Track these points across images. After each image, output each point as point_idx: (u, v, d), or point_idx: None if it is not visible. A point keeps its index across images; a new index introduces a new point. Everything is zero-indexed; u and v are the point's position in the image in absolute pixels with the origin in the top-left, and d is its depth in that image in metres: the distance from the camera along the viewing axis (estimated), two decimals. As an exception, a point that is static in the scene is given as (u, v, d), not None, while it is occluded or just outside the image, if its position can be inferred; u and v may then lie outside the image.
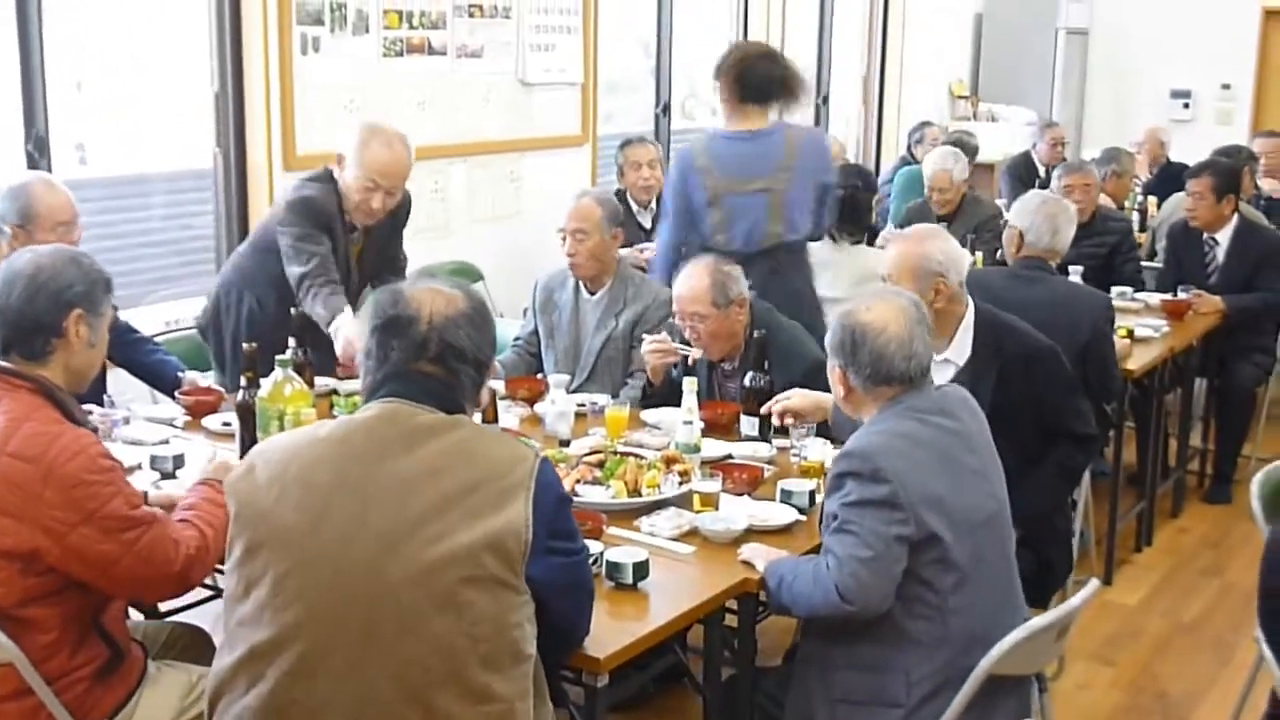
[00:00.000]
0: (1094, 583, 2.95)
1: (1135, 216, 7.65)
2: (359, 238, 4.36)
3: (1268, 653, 2.72)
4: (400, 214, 4.50)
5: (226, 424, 3.75)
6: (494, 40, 6.42)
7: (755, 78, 4.53)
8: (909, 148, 8.34)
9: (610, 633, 2.59)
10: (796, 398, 3.62)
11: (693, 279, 3.95)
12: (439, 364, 2.31)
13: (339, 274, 4.17)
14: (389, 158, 4.22)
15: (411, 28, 6.00)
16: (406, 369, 2.31)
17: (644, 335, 4.22)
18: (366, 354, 2.35)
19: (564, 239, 4.45)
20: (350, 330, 3.89)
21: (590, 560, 2.73)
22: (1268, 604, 2.70)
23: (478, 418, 3.41)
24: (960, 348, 3.66)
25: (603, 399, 4.10)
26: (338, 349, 3.94)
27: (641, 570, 2.80)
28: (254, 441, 3.18)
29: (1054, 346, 3.73)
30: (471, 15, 6.28)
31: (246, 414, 3.47)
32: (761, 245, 4.52)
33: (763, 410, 3.68)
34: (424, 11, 6.04)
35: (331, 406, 3.84)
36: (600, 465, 3.36)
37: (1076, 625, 4.60)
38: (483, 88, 6.41)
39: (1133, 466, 5.68)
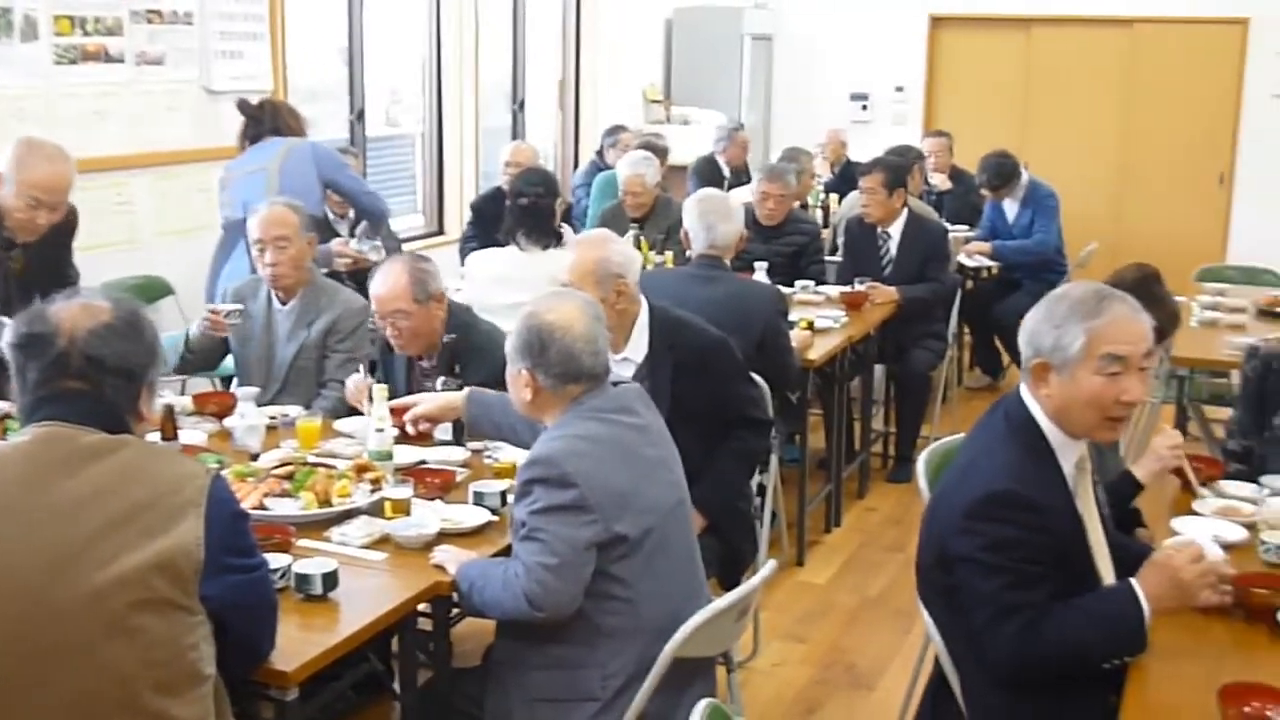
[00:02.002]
0: (771, 564, 3.11)
1: (818, 214, 8.04)
2: (19, 255, 4.20)
3: (928, 619, 2.92)
4: (65, 229, 4.35)
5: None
6: (176, 47, 6.23)
7: (250, 122, 5.61)
8: (600, 151, 8.50)
9: (299, 645, 2.58)
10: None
11: (391, 277, 3.94)
12: (83, 379, 2.25)
13: None
14: (50, 172, 4.14)
15: (85, 34, 5.77)
16: (53, 388, 2.24)
17: (337, 348, 4.23)
18: (12, 376, 2.28)
19: (262, 250, 4.36)
20: None
21: (278, 574, 2.73)
22: (921, 580, 2.90)
23: (157, 436, 3.38)
24: (638, 346, 3.79)
25: (294, 410, 4.06)
26: None
27: (331, 580, 2.80)
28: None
29: (724, 338, 3.90)
30: (150, 21, 6.08)
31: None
32: None
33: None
34: (98, 18, 5.81)
35: (5, 432, 3.66)
36: (290, 477, 3.33)
37: (771, 607, 4.87)
38: (166, 96, 6.22)
39: (820, 451, 5.97)
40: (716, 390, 3.80)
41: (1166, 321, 3.61)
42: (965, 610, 2.68)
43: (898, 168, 6.58)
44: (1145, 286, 3.43)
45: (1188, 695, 2.49)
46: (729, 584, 3.89)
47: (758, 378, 4.22)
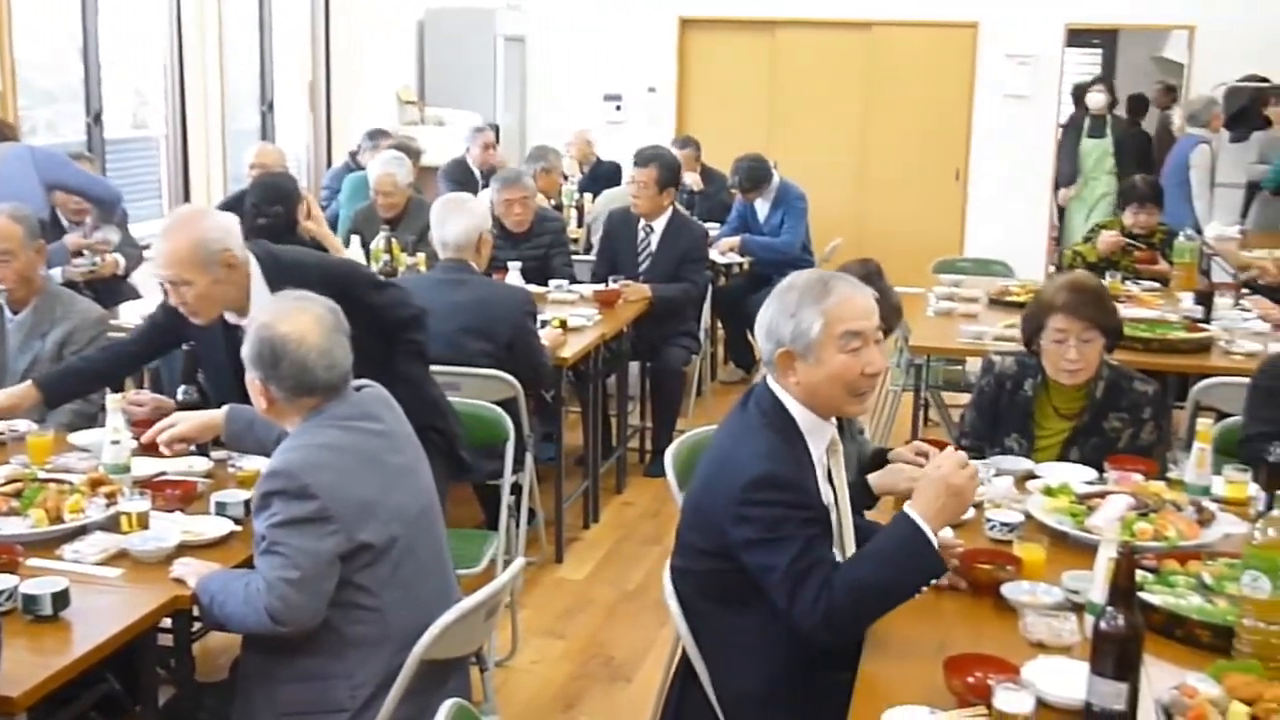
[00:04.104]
0: (520, 561, 3.14)
1: (572, 214, 8.11)
2: None
3: (673, 606, 2.97)
4: None
5: None
6: (-112, 45, 5.90)
7: None
8: (355, 154, 8.38)
9: (27, 668, 2.49)
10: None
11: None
12: None
13: None
14: None
15: None
16: None
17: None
18: None
19: None
20: None
21: (3, 596, 2.64)
22: (676, 570, 2.95)
23: None
24: (260, 303, 3.56)
25: (24, 424, 3.88)
26: None
27: (61, 600, 2.70)
28: None
29: (343, 261, 3.98)
30: None
31: None
32: None
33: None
34: None
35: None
36: (18, 495, 3.19)
37: (530, 605, 4.89)
38: (-122, 99, 5.88)
39: (578, 449, 6.02)
40: (359, 311, 3.72)
41: (890, 314, 3.76)
42: (763, 592, 2.68)
43: (673, 166, 6.63)
44: (868, 282, 3.55)
45: (917, 667, 2.59)
46: (460, 469, 4.04)
47: (511, 376, 4.24)
